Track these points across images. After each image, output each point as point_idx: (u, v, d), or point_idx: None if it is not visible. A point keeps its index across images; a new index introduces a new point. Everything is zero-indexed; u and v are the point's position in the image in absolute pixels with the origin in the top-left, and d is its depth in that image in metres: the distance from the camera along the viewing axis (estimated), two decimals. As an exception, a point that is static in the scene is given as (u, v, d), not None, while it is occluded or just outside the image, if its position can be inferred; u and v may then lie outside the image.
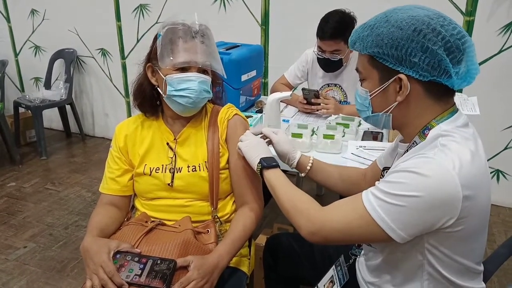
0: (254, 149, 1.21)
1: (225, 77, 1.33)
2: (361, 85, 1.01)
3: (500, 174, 2.84)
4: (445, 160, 0.84)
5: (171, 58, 1.18)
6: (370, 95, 0.98)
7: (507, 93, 2.63)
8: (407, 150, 0.99)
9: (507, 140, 2.75)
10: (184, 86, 1.20)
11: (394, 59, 0.90)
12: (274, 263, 1.41)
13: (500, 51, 2.58)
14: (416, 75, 0.90)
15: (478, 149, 0.91)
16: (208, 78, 1.24)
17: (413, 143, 0.97)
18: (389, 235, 0.87)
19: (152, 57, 1.25)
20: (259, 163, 1.17)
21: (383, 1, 2.68)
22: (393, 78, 0.93)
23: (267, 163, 1.16)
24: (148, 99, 1.30)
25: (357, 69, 1.01)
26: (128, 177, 1.33)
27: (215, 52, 1.25)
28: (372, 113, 1.01)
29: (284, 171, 1.91)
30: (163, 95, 1.23)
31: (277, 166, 1.17)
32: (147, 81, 1.27)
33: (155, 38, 1.24)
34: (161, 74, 1.21)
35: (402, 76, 0.91)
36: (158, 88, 1.26)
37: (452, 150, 0.86)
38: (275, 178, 1.13)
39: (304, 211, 1.00)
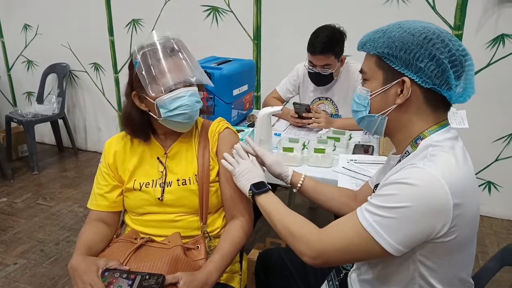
0: (244, 176, 1.21)
1: (212, 85, 1.33)
2: (362, 86, 1.03)
3: (492, 186, 2.86)
4: (434, 169, 0.86)
5: (159, 84, 1.17)
6: (371, 95, 1.00)
7: (497, 105, 2.66)
8: (399, 161, 1.00)
9: (497, 151, 2.78)
10: (177, 104, 1.19)
11: (402, 61, 0.93)
12: (266, 278, 1.40)
13: (489, 64, 2.61)
14: (419, 81, 0.92)
15: (466, 160, 0.93)
16: (195, 89, 1.24)
17: (405, 153, 0.99)
18: (387, 250, 0.88)
19: (135, 85, 1.23)
20: (250, 189, 1.18)
21: (373, 17, 2.73)
22: (397, 81, 0.95)
23: (258, 189, 1.17)
24: (139, 126, 1.28)
25: (361, 70, 1.04)
26: (117, 193, 1.32)
27: (196, 63, 1.25)
28: (368, 113, 1.02)
29: (277, 185, 1.90)
30: (158, 118, 1.23)
31: (268, 190, 1.17)
32: (135, 108, 1.26)
33: (131, 66, 1.23)
34: (150, 99, 1.20)
35: (406, 79, 0.93)
36: (150, 113, 1.25)
37: (441, 160, 0.88)
38: (268, 204, 1.13)
39: (302, 237, 1.00)
